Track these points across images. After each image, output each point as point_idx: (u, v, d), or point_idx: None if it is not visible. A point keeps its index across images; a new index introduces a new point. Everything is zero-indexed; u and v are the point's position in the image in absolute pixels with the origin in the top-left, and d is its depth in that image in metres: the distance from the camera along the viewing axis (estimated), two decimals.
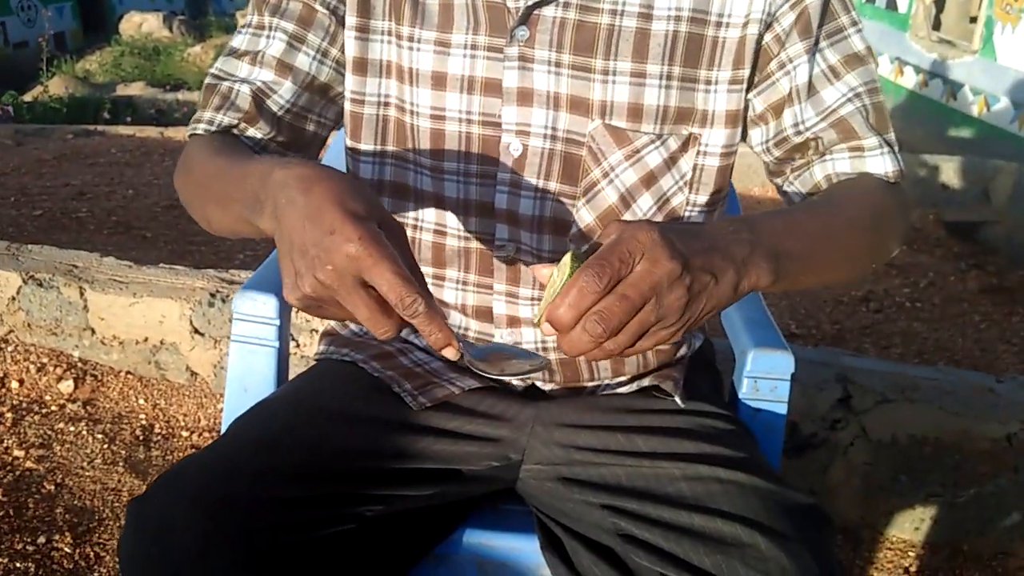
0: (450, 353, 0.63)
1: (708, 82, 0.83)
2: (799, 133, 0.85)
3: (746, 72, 0.83)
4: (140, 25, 10.06)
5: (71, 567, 1.39)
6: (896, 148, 0.86)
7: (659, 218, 0.87)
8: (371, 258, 0.59)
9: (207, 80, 0.89)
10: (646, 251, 0.61)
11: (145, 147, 4.03)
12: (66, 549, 1.42)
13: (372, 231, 0.60)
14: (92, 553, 1.43)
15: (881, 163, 0.85)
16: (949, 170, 4.04)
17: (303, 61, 0.87)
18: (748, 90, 0.85)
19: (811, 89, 0.84)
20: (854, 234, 0.80)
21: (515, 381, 0.93)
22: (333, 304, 0.63)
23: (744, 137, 0.89)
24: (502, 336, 0.91)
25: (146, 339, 1.87)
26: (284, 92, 0.87)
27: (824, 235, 0.76)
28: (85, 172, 3.62)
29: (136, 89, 6.98)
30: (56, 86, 6.52)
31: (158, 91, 6.68)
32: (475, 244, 0.88)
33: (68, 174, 3.58)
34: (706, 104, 0.84)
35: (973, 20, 6.12)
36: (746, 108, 0.86)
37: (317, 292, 0.62)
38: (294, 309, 1.73)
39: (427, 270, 0.91)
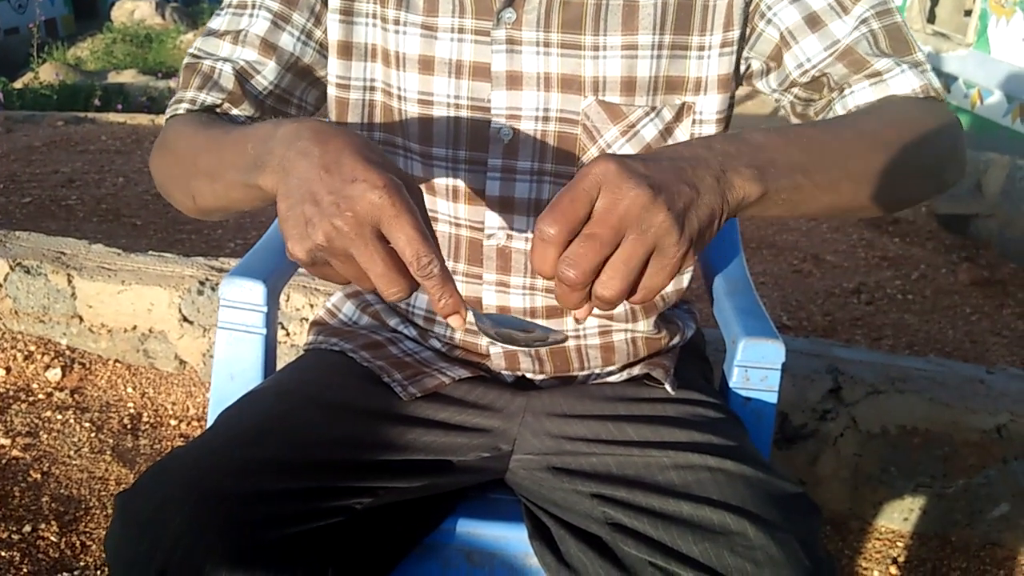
0: (455, 322, 0.61)
1: (701, 48, 0.81)
2: (805, 72, 0.81)
3: (735, 33, 0.81)
4: (132, 12, 9.98)
5: (57, 556, 1.38)
6: (921, 67, 0.79)
7: None
8: (394, 208, 0.57)
9: (186, 60, 0.87)
10: (603, 183, 0.58)
11: (136, 134, 4.00)
12: (52, 538, 1.41)
13: (395, 182, 0.58)
14: (78, 542, 1.42)
15: (904, 81, 0.78)
16: None
17: (287, 41, 0.85)
18: (740, 50, 0.83)
19: (816, 24, 0.80)
20: (879, 147, 0.72)
21: (499, 353, 0.92)
22: (343, 258, 0.60)
23: (741, 82, 0.86)
24: None
25: (135, 327, 1.86)
26: (268, 73, 0.86)
27: (835, 146, 0.70)
28: (75, 159, 3.60)
29: (128, 76, 6.93)
30: (47, 73, 6.47)
31: (150, 78, 6.64)
32: (465, 232, 0.87)
33: (58, 161, 3.56)
34: (699, 71, 0.82)
35: (968, 13, 6.12)
36: (747, 68, 0.84)
37: (330, 242, 0.58)
38: (282, 296, 1.73)
39: None
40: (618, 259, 0.58)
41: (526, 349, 0.89)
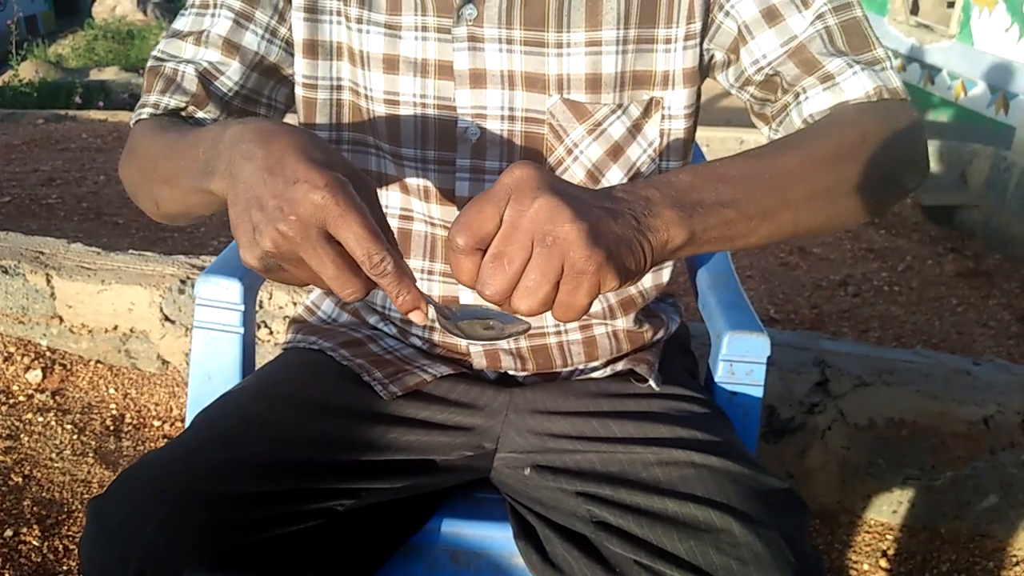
0: (417, 317, 0.59)
1: (667, 41, 0.80)
2: (760, 70, 0.80)
3: (697, 25, 0.80)
4: (113, 8, 9.88)
5: (39, 560, 1.36)
6: (878, 65, 0.76)
7: None
8: (338, 207, 0.55)
9: (149, 63, 0.86)
10: (512, 192, 0.56)
11: (117, 132, 3.97)
12: (34, 542, 1.39)
13: (339, 180, 0.56)
14: (61, 546, 1.40)
15: (856, 84, 0.75)
16: None
17: (251, 40, 0.84)
18: (702, 42, 0.81)
19: (774, 18, 0.78)
20: (821, 167, 0.70)
21: (480, 351, 0.90)
22: (295, 262, 0.58)
23: (707, 74, 0.85)
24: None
25: (115, 327, 1.83)
26: (232, 73, 0.84)
27: (768, 175, 0.67)
28: (56, 158, 3.56)
29: (110, 74, 6.86)
30: (27, 70, 6.39)
31: (132, 75, 6.57)
32: (440, 232, 0.86)
33: (38, 160, 3.52)
34: (667, 64, 0.81)
35: (951, 5, 6.14)
36: (710, 60, 0.83)
37: (278, 247, 0.57)
38: (264, 293, 1.71)
39: None
40: (527, 275, 0.56)
41: (490, 343, 0.88)
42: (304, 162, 0.57)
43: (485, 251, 0.57)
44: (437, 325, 0.90)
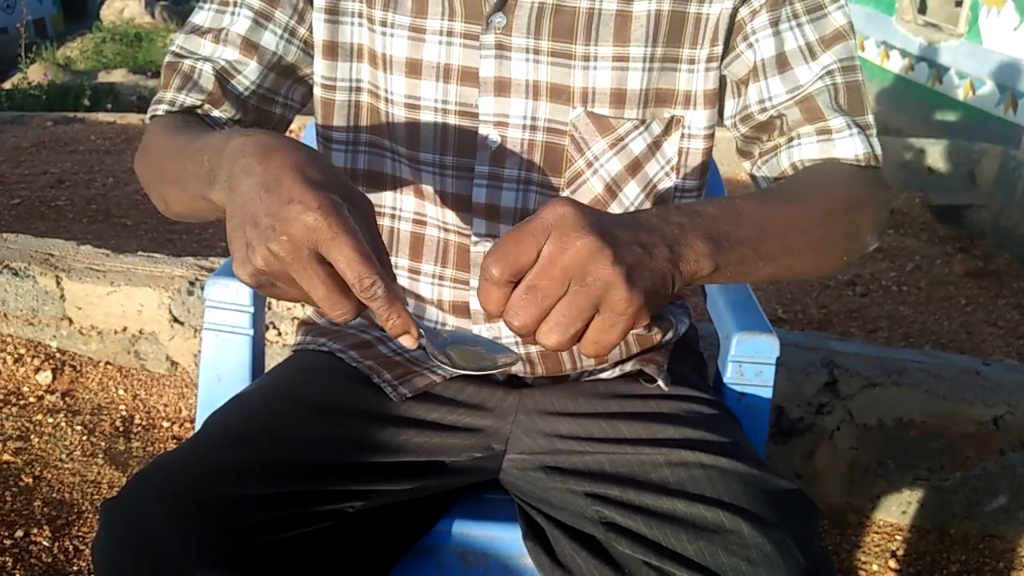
0: (407, 342, 0.59)
1: (691, 61, 0.81)
2: (764, 110, 0.82)
3: (720, 48, 0.81)
4: (122, 11, 9.92)
5: (49, 561, 1.37)
6: (870, 131, 0.81)
7: (647, 206, 0.85)
8: (330, 230, 0.55)
9: (167, 59, 0.86)
10: (553, 229, 0.56)
11: (126, 134, 3.98)
12: (44, 543, 1.40)
13: (333, 201, 0.56)
14: (71, 547, 1.41)
15: (850, 146, 0.80)
16: (935, 154, 4.05)
17: (269, 40, 0.84)
18: (720, 65, 0.82)
19: (783, 66, 0.81)
20: (818, 222, 0.74)
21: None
22: (287, 281, 0.58)
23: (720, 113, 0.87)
24: (480, 332, 0.88)
25: (125, 329, 1.84)
26: (249, 72, 0.84)
27: (779, 221, 0.70)
28: (64, 160, 3.57)
29: (118, 76, 6.88)
30: (36, 73, 6.43)
31: (140, 78, 6.60)
32: (453, 237, 0.86)
33: (47, 162, 3.53)
34: (689, 84, 0.81)
35: (959, 4, 6.11)
36: (723, 84, 0.84)
37: (270, 266, 0.57)
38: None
39: (403, 263, 0.89)
40: (559, 311, 0.56)
41: (476, 374, 0.87)
42: (300, 182, 0.56)
43: (516, 284, 0.57)
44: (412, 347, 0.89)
